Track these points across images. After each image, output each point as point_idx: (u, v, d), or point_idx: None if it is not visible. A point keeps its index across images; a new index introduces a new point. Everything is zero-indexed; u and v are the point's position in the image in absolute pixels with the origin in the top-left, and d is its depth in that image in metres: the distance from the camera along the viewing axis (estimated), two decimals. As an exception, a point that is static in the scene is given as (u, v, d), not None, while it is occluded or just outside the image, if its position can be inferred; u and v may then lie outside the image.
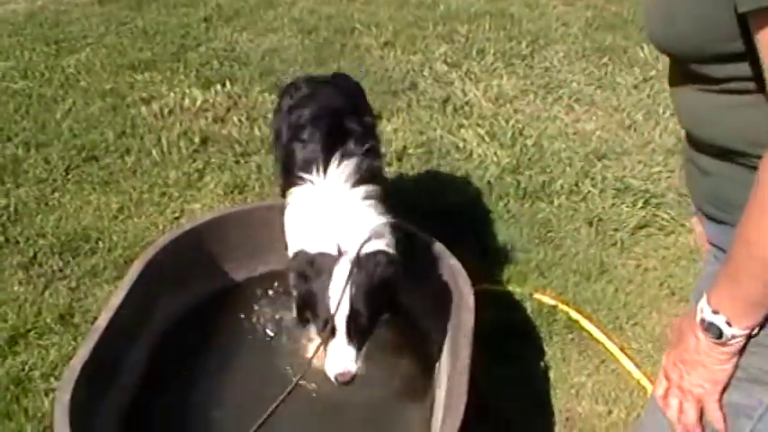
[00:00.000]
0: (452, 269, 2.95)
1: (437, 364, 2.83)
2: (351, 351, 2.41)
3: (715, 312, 1.50)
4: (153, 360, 2.85)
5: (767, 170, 1.35)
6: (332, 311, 2.37)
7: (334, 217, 2.60)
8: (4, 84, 5.32)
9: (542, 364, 3.29)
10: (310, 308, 2.49)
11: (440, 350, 2.85)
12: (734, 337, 1.49)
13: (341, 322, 2.38)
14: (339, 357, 2.41)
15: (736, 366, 1.55)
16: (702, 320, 1.53)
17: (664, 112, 5.12)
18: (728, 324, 1.49)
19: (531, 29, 6.34)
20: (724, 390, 1.57)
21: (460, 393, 2.41)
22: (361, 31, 6.23)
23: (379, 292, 2.46)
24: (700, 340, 1.56)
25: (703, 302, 1.54)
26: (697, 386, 1.59)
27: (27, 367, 3.19)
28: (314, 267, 2.46)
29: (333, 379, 2.41)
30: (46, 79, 5.39)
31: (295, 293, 2.55)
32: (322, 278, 2.43)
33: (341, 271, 2.41)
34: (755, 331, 1.50)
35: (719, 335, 1.51)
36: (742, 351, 1.53)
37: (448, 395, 2.54)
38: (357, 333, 2.41)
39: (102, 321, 2.68)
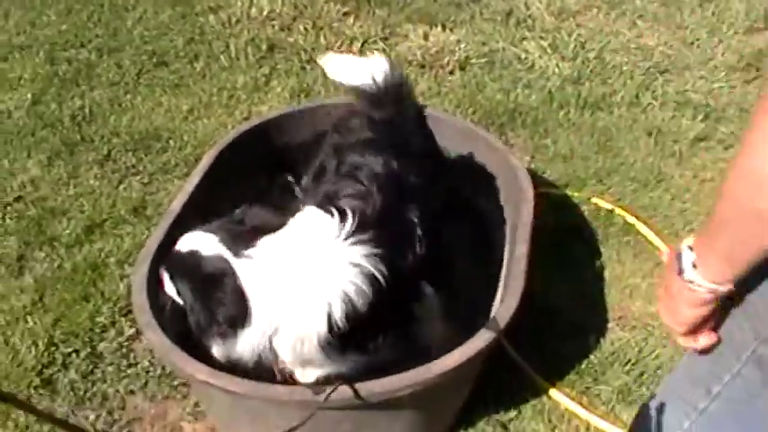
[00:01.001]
0: (513, 165, 3.05)
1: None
2: None
3: (689, 248, 1.46)
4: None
5: (760, 113, 1.26)
6: None
7: None
8: (77, -8, 5.44)
9: (598, 264, 3.38)
10: None
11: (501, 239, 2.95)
12: (693, 282, 1.44)
13: None
14: None
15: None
16: (678, 251, 1.48)
17: (727, 31, 5.06)
18: (694, 266, 1.44)
19: (595, -55, 6.26)
20: None
21: (518, 277, 2.52)
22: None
23: None
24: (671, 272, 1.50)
25: (690, 238, 1.48)
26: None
27: (103, 254, 3.37)
28: None
29: None
30: (117, -13, 5.50)
31: None
32: None
33: None
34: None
35: (680, 271, 1.46)
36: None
37: (506, 279, 2.65)
38: None
39: (177, 205, 2.84)
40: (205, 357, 2.30)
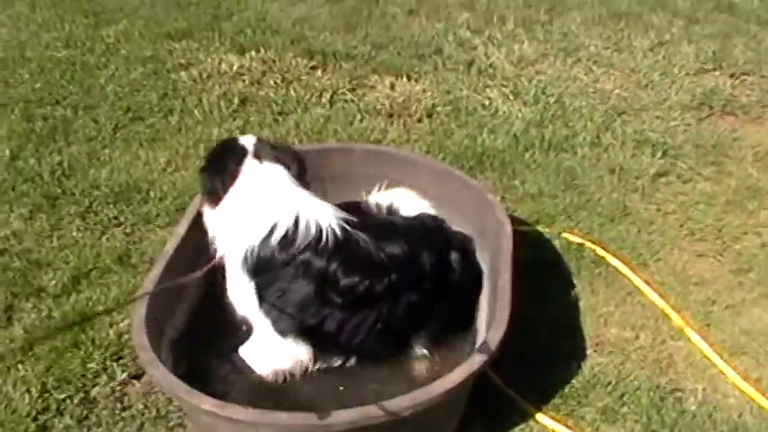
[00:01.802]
0: (489, 201, 3.19)
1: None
2: None
3: None
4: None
5: None
6: None
7: None
8: (49, 53, 5.54)
9: (572, 295, 3.52)
10: None
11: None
12: None
13: None
14: None
15: None
16: None
17: (679, 72, 5.34)
18: None
19: (548, -3, 6.53)
20: None
21: (504, 305, 2.64)
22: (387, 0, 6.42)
23: None
24: None
25: None
26: None
27: (91, 303, 3.42)
28: None
29: None
30: (88, 48, 5.61)
31: None
32: None
33: None
34: None
35: None
36: None
37: (491, 308, 2.77)
38: None
39: (170, 247, 2.93)
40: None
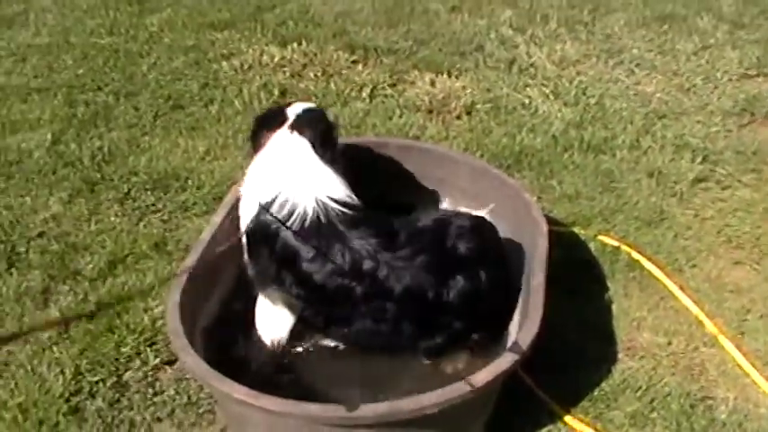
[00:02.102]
0: (526, 200, 3.18)
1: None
2: None
3: None
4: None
5: None
6: None
7: None
8: (93, 39, 5.62)
9: (606, 298, 3.49)
10: None
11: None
12: None
13: None
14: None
15: None
16: None
17: (722, 78, 5.28)
18: None
19: (592, -3, 6.49)
20: None
21: (537, 306, 2.64)
22: (430, -5, 6.43)
23: None
24: None
25: None
26: None
27: (127, 287, 3.45)
28: None
29: None
30: (131, 36, 5.68)
31: None
32: None
33: None
34: None
35: None
36: None
37: (524, 308, 2.76)
38: None
39: (206, 235, 2.96)
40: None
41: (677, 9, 6.27)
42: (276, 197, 2.79)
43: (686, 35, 5.88)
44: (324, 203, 2.78)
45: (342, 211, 2.79)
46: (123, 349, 3.16)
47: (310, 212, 2.76)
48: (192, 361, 2.45)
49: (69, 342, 3.20)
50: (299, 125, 2.97)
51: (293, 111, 3.04)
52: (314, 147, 2.93)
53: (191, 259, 2.85)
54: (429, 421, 2.38)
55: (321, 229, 2.75)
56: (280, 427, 2.45)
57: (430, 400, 2.30)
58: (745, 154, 4.48)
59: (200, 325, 2.86)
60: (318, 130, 2.99)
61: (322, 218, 2.76)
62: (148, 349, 3.16)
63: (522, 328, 2.59)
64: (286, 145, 2.94)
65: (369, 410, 2.30)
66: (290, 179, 2.84)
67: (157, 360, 3.12)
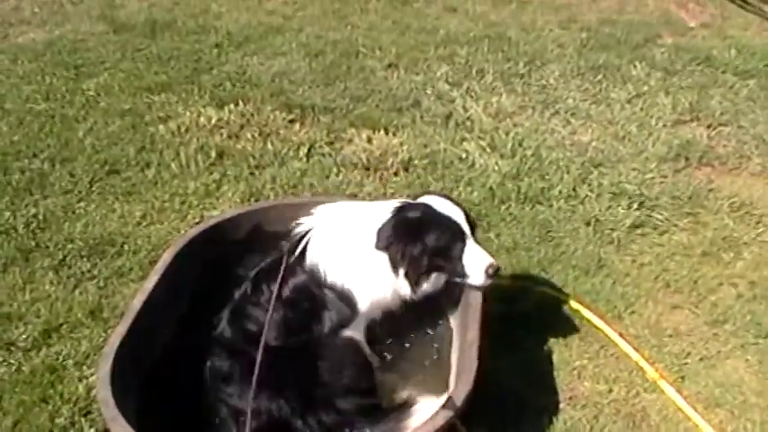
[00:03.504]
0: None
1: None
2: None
3: None
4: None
5: None
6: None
7: None
8: (28, 105, 5.56)
9: (546, 348, 3.50)
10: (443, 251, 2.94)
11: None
12: None
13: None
14: (482, 254, 2.95)
15: None
16: None
17: (656, 124, 5.38)
18: None
19: (527, 50, 6.58)
20: None
21: (471, 361, 2.64)
22: (366, 53, 6.47)
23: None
24: None
25: None
26: None
27: (61, 357, 3.40)
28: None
29: (485, 276, 2.94)
30: (67, 101, 5.63)
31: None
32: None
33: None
34: None
35: None
36: None
37: (459, 364, 2.76)
38: None
39: (137, 303, 2.92)
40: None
41: (611, 59, 6.39)
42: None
43: (620, 84, 5.99)
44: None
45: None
46: (58, 420, 3.10)
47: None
48: (120, 430, 2.41)
49: (2, 414, 3.13)
50: None
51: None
52: None
53: (121, 328, 2.81)
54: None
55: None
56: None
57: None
58: (680, 198, 4.54)
59: (136, 392, 2.81)
60: None
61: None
62: (83, 419, 3.11)
63: (458, 383, 2.58)
64: None
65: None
66: None
67: (92, 430, 3.05)
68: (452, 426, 2.54)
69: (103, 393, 2.53)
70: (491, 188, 4.58)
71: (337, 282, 2.97)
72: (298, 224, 3.12)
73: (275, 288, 2.96)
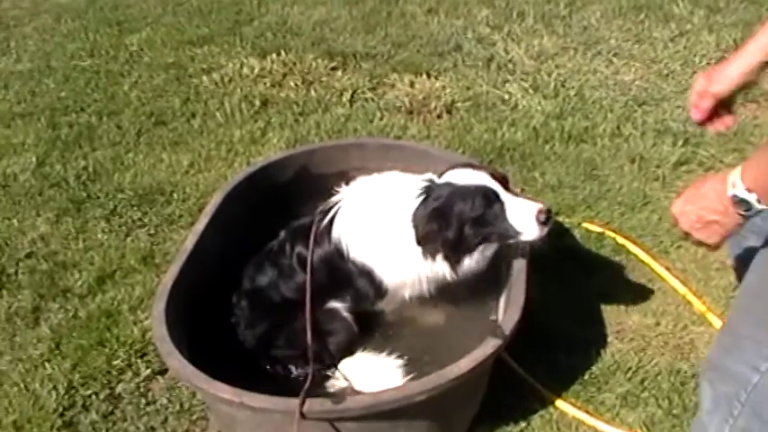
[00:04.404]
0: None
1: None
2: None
3: (748, 190, 1.72)
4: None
5: None
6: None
7: None
8: (73, 62, 5.66)
9: (593, 283, 3.50)
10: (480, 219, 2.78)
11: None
12: (761, 210, 1.73)
13: None
14: (525, 203, 2.81)
15: None
16: (734, 196, 1.75)
17: (700, 62, 5.30)
18: (758, 201, 1.72)
19: (568, -9, 6.51)
20: None
21: (519, 289, 2.66)
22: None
23: None
24: (727, 209, 1.78)
25: (737, 179, 1.74)
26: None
27: (116, 302, 3.48)
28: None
29: (538, 225, 2.75)
30: (111, 56, 5.72)
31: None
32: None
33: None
34: None
35: (749, 209, 1.74)
36: None
37: (507, 293, 2.78)
38: None
39: (189, 244, 2.98)
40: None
41: (653, -3, 6.30)
42: None
43: (663, 23, 5.90)
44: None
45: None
46: (115, 362, 3.18)
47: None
48: (178, 364, 2.47)
49: (61, 358, 3.22)
50: None
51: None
52: None
53: (174, 268, 2.87)
54: (416, 411, 2.39)
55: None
56: (267, 424, 2.46)
57: (415, 388, 2.32)
58: (726, 135, 4.48)
59: (188, 330, 2.87)
60: None
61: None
62: (139, 360, 3.19)
63: (506, 312, 2.60)
64: None
65: (354, 402, 2.32)
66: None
67: (149, 371, 3.15)
68: (498, 358, 2.57)
69: (160, 330, 2.58)
70: (534, 128, 4.57)
71: (358, 258, 2.94)
72: (335, 192, 3.11)
73: (303, 252, 3.00)
